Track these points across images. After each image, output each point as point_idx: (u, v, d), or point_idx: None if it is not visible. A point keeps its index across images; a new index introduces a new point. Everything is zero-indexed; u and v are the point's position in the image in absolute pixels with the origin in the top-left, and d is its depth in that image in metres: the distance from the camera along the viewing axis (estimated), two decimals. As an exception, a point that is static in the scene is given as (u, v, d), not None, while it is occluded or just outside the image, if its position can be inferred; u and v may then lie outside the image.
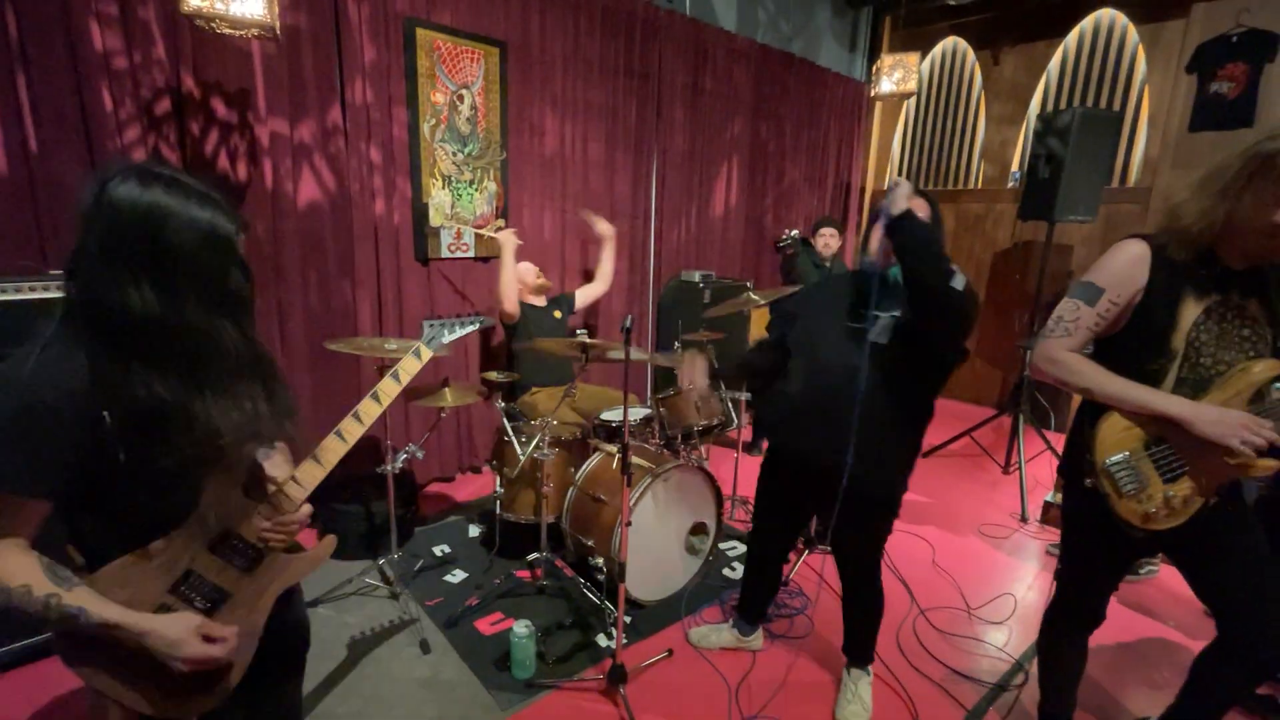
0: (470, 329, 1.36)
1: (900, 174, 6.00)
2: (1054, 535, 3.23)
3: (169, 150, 2.46)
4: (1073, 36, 4.87)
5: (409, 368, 1.25)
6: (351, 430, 1.18)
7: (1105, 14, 4.69)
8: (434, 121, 3.20)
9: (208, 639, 0.99)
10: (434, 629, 2.35)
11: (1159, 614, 2.63)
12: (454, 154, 3.31)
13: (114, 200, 0.86)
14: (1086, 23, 4.79)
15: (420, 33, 3.05)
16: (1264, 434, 1.26)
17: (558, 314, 3.32)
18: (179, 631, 0.96)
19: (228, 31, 2.04)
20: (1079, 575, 1.68)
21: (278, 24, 2.09)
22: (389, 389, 1.24)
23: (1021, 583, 2.83)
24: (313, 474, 1.13)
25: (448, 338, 1.32)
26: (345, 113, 2.89)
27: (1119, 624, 2.55)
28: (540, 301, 3.28)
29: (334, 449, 1.17)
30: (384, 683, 2.08)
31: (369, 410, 1.21)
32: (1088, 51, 4.81)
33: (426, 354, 1.28)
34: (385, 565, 2.60)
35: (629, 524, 2.02)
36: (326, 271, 2.96)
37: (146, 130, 2.39)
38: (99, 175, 0.88)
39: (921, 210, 1.60)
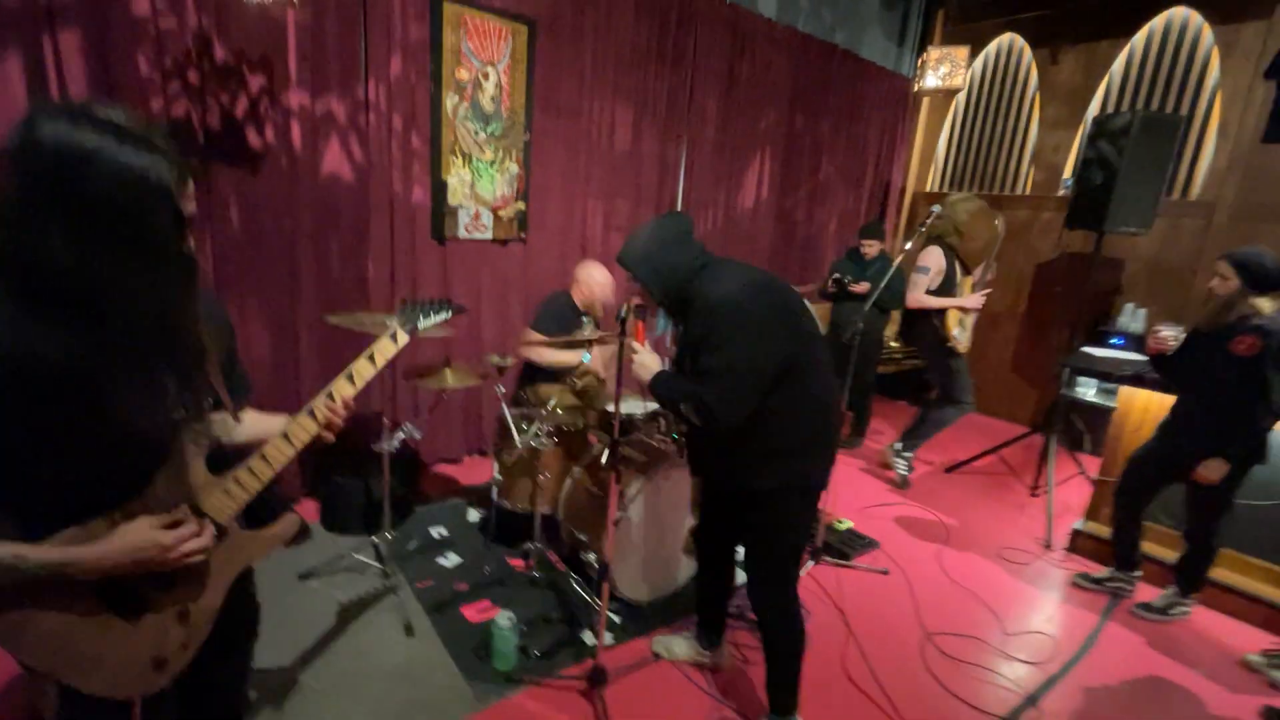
0: (444, 316, 1.31)
1: (944, 175, 5.75)
2: (1081, 565, 3.04)
3: (196, 113, 2.45)
4: (1140, 36, 4.56)
5: (385, 350, 1.20)
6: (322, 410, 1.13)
7: (1178, 13, 4.38)
8: (457, 98, 3.15)
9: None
10: (420, 611, 2.32)
11: (1189, 659, 2.44)
12: (476, 132, 3.25)
13: (40, 139, 0.78)
14: (1157, 21, 4.49)
15: (448, 7, 3.00)
16: None
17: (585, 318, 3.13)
18: (141, 536, 0.90)
19: (244, -4, 2.01)
20: None
21: (294, -11, 2.05)
22: (364, 370, 1.18)
23: (1040, 613, 2.67)
24: (283, 451, 1.08)
25: (422, 323, 1.26)
26: (368, 86, 2.86)
27: (1144, 667, 2.38)
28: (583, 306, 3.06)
29: (305, 427, 1.12)
30: (363, 662, 2.06)
31: (342, 389, 1.16)
32: (1155, 53, 4.50)
33: (403, 338, 1.22)
34: (379, 543, 2.58)
35: (617, 521, 1.94)
36: (342, 244, 2.95)
37: (174, 95, 2.39)
38: (32, 110, 0.80)
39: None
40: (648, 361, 1.75)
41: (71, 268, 0.81)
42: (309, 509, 2.92)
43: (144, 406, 0.91)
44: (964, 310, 3.55)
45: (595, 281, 2.93)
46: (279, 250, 2.76)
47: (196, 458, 1.01)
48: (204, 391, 1.01)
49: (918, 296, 3.49)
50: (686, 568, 2.55)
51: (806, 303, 1.75)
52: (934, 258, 3.48)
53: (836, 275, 4.09)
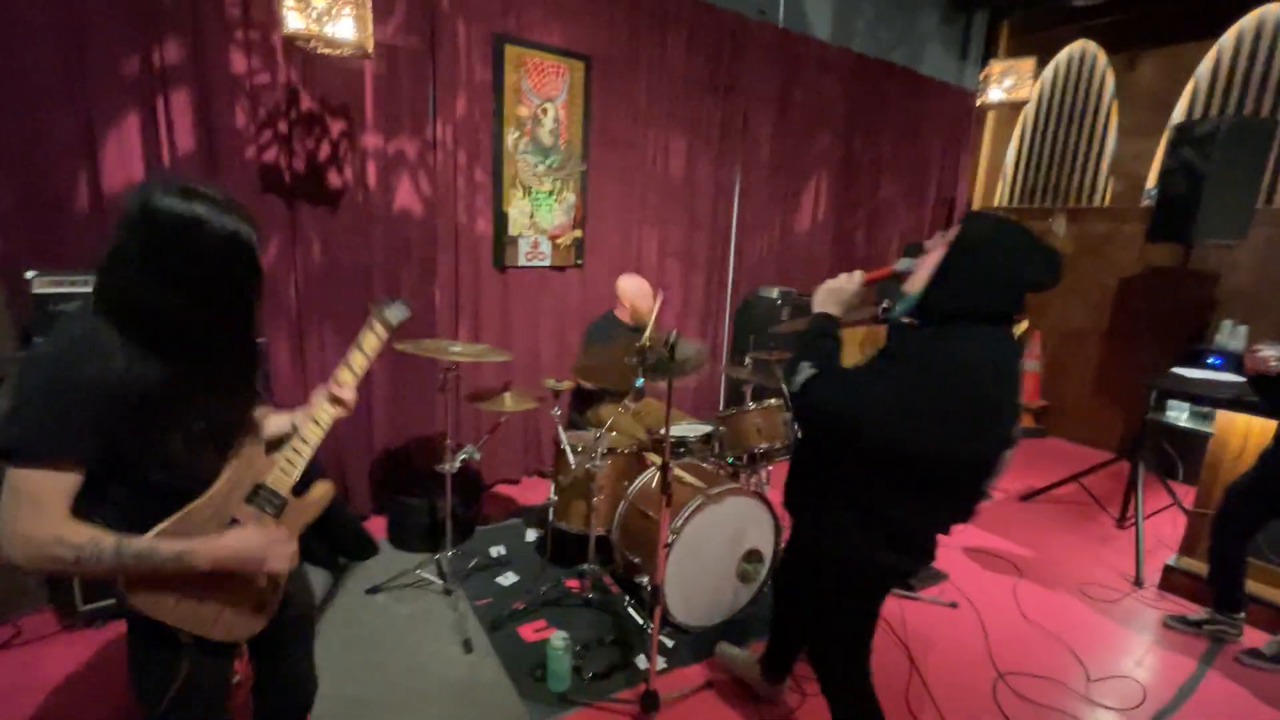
0: (405, 311, 1.43)
1: (1013, 189, 5.53)
2: (1174, 604, 2.80)
3: (282, 160, 2.69)
4: (1229, 36, 4.29)
5: (370, 341, 1.34)
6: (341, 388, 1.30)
7: (1272, 10, 4.10)
8: (518, 134, 3.31)
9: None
10: (479, 629, 2.38)
11: (1306, 715, 2.20)
12: (535, 165, 3.40)
13: (159, 211, 0.96)
14: (1247, 21, 4.21)
15: (509, 49, 3.17)
16: None
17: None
18: (258, 539, 1.10)
19: (326, 51, 2.20)
20: None
21: (370, 44, 2.23)
22: (358, 361, 1.33)
23: (1128, 656, 2.47)
24: (315, 431, 1.25)
25: (391, 317, 1.40)
26: (436, 126, 3.05)
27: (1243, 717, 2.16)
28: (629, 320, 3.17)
29: (326, 409, 1.28)
30: (424, 678, 2.13)
31: (343, 375, 1.31)
32: (1247, 54, 4.21)
33: (382, 330, 1.36)
34: (441, 561, 2.68)
35: (668, 546, 1.95)
36: (411, 274, 3.13)
37: (265, 143, 2.63)
38: (143, 188, 0.98)
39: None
40: (835, 289, 1.51)
41: (182, 309, 0.99)
42: (377, 526, 3.07)
43: (229, 411, 1.11)
44: None
45: (630, 292, 3.05)
46: (355, 281, 2.96)
47: (257, 445, 1.20)
48: (258, 394, 1.21)
49: None
50: (741, 594, 2.52)
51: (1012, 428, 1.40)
52: None
53: (885, 305, 3.94)
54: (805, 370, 1.36)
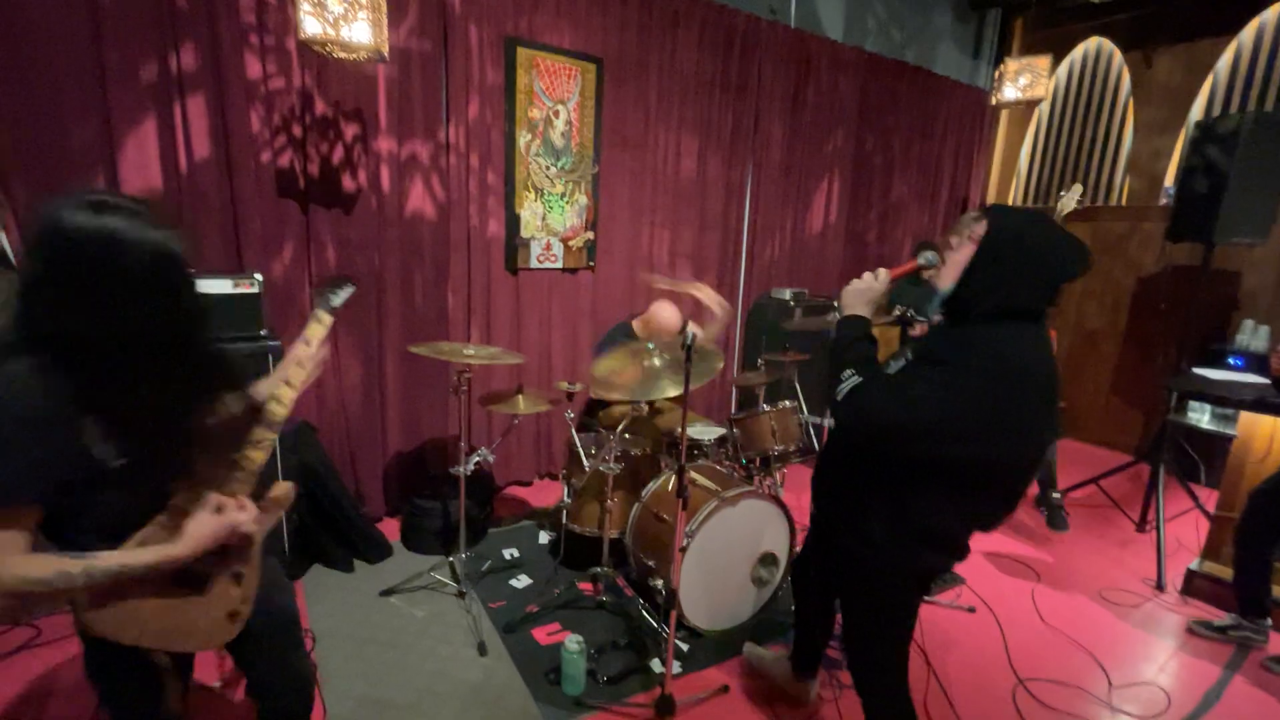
0: (349, 289, 1.45)
1: (1027, 187, 5.47)
2: (1197, 609, 2.75)
3: (296, 163, 2.70)
4: (1248, 32, 4.22)
5: (317, 334, 1.34)
6: (283, 396, 1.28)
7: (1293, 4, 4.03)
8: (530, 136, 3.31)
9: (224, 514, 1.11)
10: (493, 632, 2.38)
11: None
12: (547, 167, 3.40)
13: (69, 229, 0.89)
14: (1268, 15, 4.14)
15: (521, 51, 3.18)
16: None
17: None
18: (209, 525, 1.07)
19: (342, 55, 2.21)
20: None
21: (385, 47, 2.23)
22: (304, 354, 1.32)
23: (1151, 662, 2.43)
24: (267, 435, 1.24)
25: (335, 301, 1.38)
26: (449, 128, 3.06)
27: (1278, 729, 2.12)
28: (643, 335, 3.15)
29: (276, 413, 1.26)
30: (439, 680, 2.13)
31: (295, 375, 1.31)
32: (1268, 49, 4.14)
33: (327, 319, 1.35)
34: (455, 563, 2.68)
35: (683, 549, 1.94)
36: (424, 277, 3.13)
37: (280, 148, 2.65)
38: (49, 208, 0.91)
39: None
40: (862, 289, 1.48)
41: (118, 331, 0.94)
42: (390, 528, 3.08)
43: (194, 422, 1.10)
44: None
45: (662, 317, 2.96)
46: (368, 284, 2.96)
47: (210, 462, 1.17)
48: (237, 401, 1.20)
49: None
50: (756, 599, 2.50)
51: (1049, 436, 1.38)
52: None
53: (898, 311, 3.88)
54: (849, 378, 1.33)
